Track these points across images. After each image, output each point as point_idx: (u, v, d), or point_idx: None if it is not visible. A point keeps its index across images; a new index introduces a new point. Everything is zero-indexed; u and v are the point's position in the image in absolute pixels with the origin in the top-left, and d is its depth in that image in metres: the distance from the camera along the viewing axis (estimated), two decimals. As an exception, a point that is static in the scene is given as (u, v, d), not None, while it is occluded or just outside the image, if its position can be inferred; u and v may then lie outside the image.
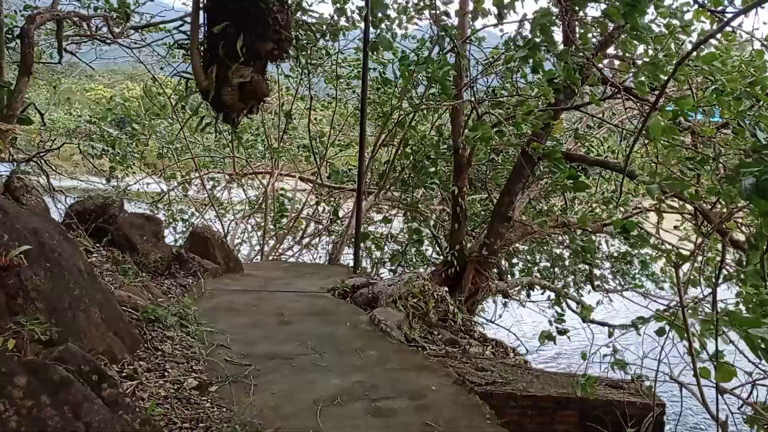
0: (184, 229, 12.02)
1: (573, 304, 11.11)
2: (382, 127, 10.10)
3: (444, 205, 12.37)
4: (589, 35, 7.64)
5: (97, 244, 6.60)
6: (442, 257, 11.24)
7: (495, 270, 9.59)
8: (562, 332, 9.13)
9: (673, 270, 10.15)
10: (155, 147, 13.41)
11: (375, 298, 6.93)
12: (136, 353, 4.38)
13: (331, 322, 5.82)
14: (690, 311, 4.09)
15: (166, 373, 4.21)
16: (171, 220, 12.44)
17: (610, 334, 9.22)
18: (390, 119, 10.02)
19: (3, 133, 7.51)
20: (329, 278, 7.86)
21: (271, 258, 11.36)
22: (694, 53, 5.54)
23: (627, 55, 7.82)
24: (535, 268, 11.14)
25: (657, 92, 5.48)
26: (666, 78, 4.85)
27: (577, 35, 7.79)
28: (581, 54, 6.80)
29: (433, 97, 8.33)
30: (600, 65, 8.02)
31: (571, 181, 7.18)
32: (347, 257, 10.90)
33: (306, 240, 11.77)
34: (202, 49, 4.85)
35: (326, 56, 11.48)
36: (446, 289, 8.80)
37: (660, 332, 3.99)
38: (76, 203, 7.19)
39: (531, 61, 7.48)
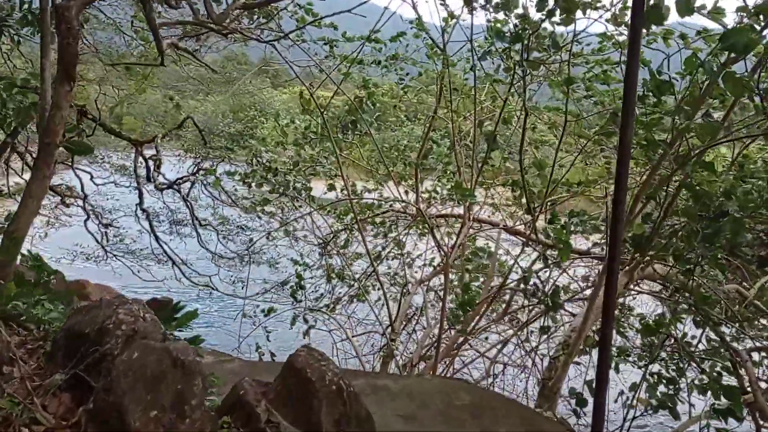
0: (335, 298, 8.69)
1: None
2: (655, 166, 5.59)
3: (745, 285, 7.38)
4: None
5: (65, 416, 3.31)
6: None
7: None
8: None
9: None
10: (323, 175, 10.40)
11: None
12: None
13: None
14: None
15: None
16: (330, 279, 9.21)
17: None
18: (665, 152, 5.46)
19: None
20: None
21: (450, 354, 7.44)
22: None
23: None
24: None
25: None
26: None
27: None
28: None
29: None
30: None
31: None
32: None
33: (507, 335, 7.61)
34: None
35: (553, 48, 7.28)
36: None
37: None
38: (75, 311, 4.01)
39: None
